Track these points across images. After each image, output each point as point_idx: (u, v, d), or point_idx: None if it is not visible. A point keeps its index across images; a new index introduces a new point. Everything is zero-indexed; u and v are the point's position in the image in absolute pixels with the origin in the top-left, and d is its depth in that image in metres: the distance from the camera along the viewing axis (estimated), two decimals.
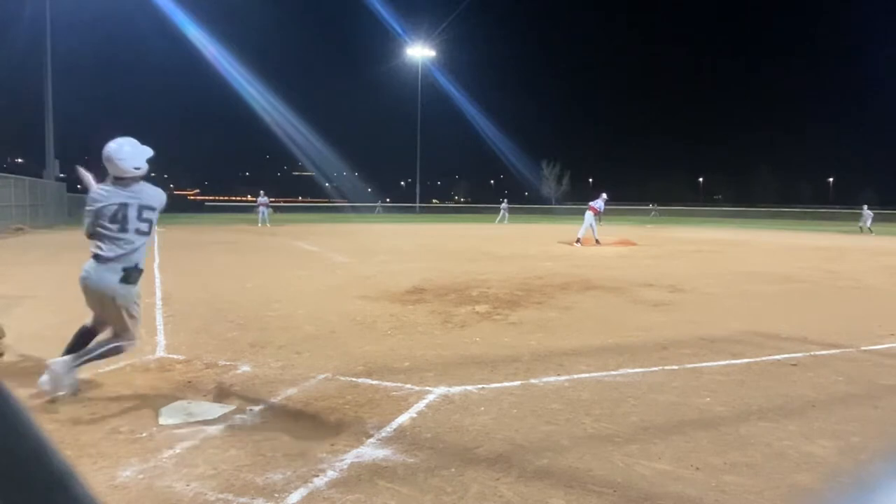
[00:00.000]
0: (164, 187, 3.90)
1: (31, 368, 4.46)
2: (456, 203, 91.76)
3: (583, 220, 18.19)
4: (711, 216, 51.49)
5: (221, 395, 3.94)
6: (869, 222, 31.02)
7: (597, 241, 17.82)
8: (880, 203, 51.27)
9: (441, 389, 4.06)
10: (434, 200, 74.83)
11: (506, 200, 41.51)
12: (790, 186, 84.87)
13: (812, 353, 5.16)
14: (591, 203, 18.18)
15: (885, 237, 25.02)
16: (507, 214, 38.53)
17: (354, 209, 54.70)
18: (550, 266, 11.70)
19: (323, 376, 4.32)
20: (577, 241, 17.74)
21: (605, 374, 4.48)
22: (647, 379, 4.36)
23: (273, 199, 34.50)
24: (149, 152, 3.98)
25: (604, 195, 18.60)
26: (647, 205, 57.57)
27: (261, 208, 28.62)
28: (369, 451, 3.08)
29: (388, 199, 78.01)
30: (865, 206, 32.14)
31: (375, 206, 59.44)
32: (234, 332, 5.65)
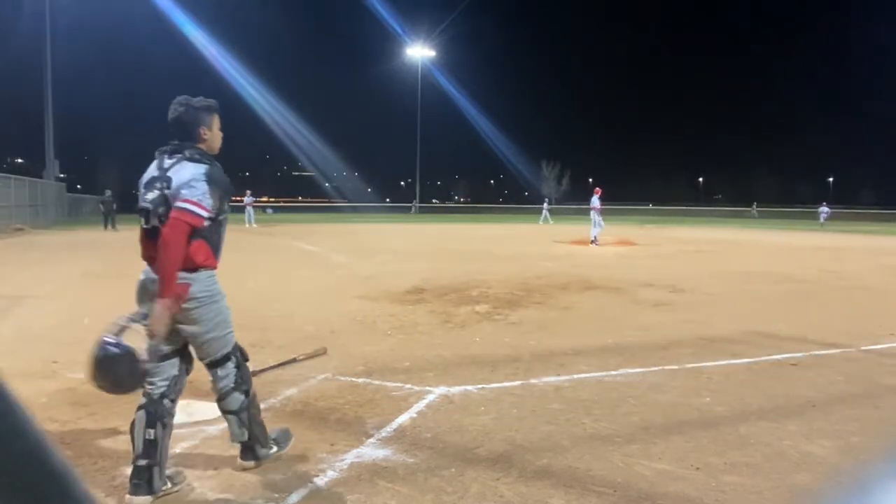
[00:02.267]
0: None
1: (32, 369, 4.47)
2: (456, 203, 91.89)
3: (592, 221, 18.40)
4: (711, 216, 51.48)
5: None
6: (822, 218, 35.65)
7: (593, 241, 17.99)
8: (881, 203, 51.29)
9: (441, 389, 4.06)
10: (434, 200, 74.85)
11: (547, 200, 41.82)
12: (790, 186, 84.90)
13: (812, 353, 5.16)
14: (596, 203, 18.34)
15: (840, 234, 24.98)
16: (548, 215, 38.56)
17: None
18: (550, 266, 11.70)
19: (323, 376, 4.32)
20: (593, 241, 17.97)
21: (605, 374, 4.48)
22: (647, 379, 4.36)
23: (274, 200, 34.73)
24: None
25: (598, 190, 18.75)
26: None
27: (247, 208, 28.90)
28: (369, 451, 3.08)
29: (388, 199, 78.17)
30: (824, 203, 37.22)
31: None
32: (235, 332, 5.65)
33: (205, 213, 2.56)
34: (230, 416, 2.80)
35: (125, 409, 3.69)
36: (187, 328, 2.65)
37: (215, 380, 2.79)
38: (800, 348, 5.28)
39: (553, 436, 3.31)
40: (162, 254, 2.50)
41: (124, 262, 12.24)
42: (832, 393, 4.12)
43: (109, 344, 2.44)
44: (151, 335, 2.53)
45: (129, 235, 20.93)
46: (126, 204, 26.16)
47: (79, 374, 4.35)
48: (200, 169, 2.61)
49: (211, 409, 3.64)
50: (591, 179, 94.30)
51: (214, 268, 2.70)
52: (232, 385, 2.78)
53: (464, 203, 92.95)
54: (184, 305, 2.57)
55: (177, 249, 2.49)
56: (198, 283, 2.61)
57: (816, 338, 5.68)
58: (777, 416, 3.65)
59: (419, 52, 58.66)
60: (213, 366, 2.77)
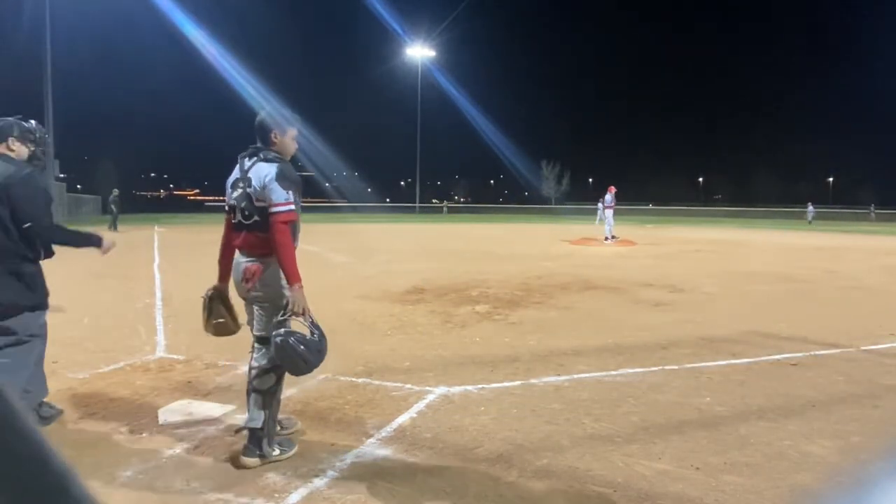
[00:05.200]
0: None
1: None
2: (455, 203, 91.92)
3: (605, 220, 18.94)
4: (711, 216, 51.44)
5: (221, 395, 3.94)
6: (810, 217, 39.72)
7: (613, 237, 18.46)
8: (880, 203, 51.30)
9: (441, 389, 4.06)
10: (434, 200, 74.96)
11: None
12: (790, 186, 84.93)
13: (812, 353, 5.16)
14: (610, 201, 18.65)
15: (840, 234, 24.96)
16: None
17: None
18: (550, 266, 11.70)
19: (323, 376, 4.32)
20: (612, 237, 18.43)
21: (605, 374, 4.48)
22: (647, 379, 4.36)
23: None
24: None
25: (612, 189, 18.99)
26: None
27: None
28: (369, 451, 3.08)
29: (388, 199, 78.12)
30: (810, 203, 41.63)
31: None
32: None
33: (294, 207, 2.93)
34: (256, 395, 2.98)
35: (125, 408, 3.69)
36: (256, 305, 3.02)
37: (259, 356, 3.03)
38: (800, 348, 5.28)
39: (553, 436, 3.31)
40: (279, 253, 2.89)
41: (124, 262, 12.23)
42: (832, 393, 4.12)
43: (282, 336, 2.87)
44: (300, 314, 2.90)
45: (128, 237, 20.95)
46: (126, 205, 26.01)
47: (79, 374, 4.35)
48: (273, 168, 2.94)
49: (211, 409, 3.64)
50: (591, 179, 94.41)
51: None
52: (270, 365, 2.98)
53: (464, 203, 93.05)
54: (256, 284, 2.96)
55: (288, 246, 2.90)
56: (270, 267, 2.95)
57: (816, 338, 5.67)
58: (777, 416, 3.65)
59: (419, 52, 58.55)
60: (262, 341, 3.04)
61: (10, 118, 3.35)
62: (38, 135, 3.41)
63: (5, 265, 3.09)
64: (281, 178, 2.91)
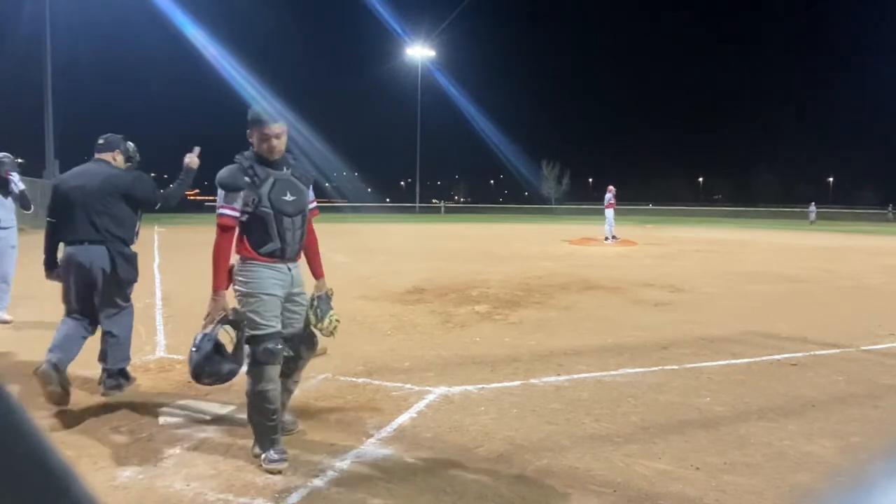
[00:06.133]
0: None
1: (31, 369, 4.46)
2: (454, 203, 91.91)
3: (605, 218, 18.87)
4: (711, 216, 51.40)
5: (221, 395, 3.94)
6: (812, 216, 39.74)
7: (614, 237, 18.51)
8: (880, 203, 51.27)
9: (441, 389, 4.06)
10: (434, 200, 74.97)
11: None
12: (790, 186, 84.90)
13: (812, 353, 5.16)
14: (610, 200, 18.74)
15: (840, 234, 24.95)
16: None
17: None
18: (550, 266, 11.70)
19: (323, 376, 4.32)
20: (613, 237, 18.47)
21: (605, 374, 4.48)
22: (647, 379, 4.36)
23: None
24: None
25: (611, 188, 19.06)
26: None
27: None
28: (369, 451, 3.08)
29: (388, 199, 78.18)
30: (812, 203, 41.53)
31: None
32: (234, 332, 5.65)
33: (228, 212, 2.88)
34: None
35: (125, 409, 3.69)
36: None
37: None
38: (800, 348, 5.28)
39: (553, 436, 3.31)
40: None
41: None
42: (832, 393, 4.12)
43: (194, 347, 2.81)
44: (206, 322, 2.87)
45: None
46: None
47: (79, 373, 4.35)
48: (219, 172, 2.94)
49: (211, 409, 3.64)
50: (591, 179, 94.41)
51: (256, 259, 2.96)
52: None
53: (463, 203, 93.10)
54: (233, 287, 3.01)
55: (215, 248, 2.90)
56: (237, 270, 2.99)
57: (816, 338, 5.67)
58: (777, 416, 3.65)
59: (419, 52, 58.47)
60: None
61: (117, 135, 3.95)
62: (133, 154, 4.04)
63: (116, 249, 3.71)
64: (218, 182, 2.91)
